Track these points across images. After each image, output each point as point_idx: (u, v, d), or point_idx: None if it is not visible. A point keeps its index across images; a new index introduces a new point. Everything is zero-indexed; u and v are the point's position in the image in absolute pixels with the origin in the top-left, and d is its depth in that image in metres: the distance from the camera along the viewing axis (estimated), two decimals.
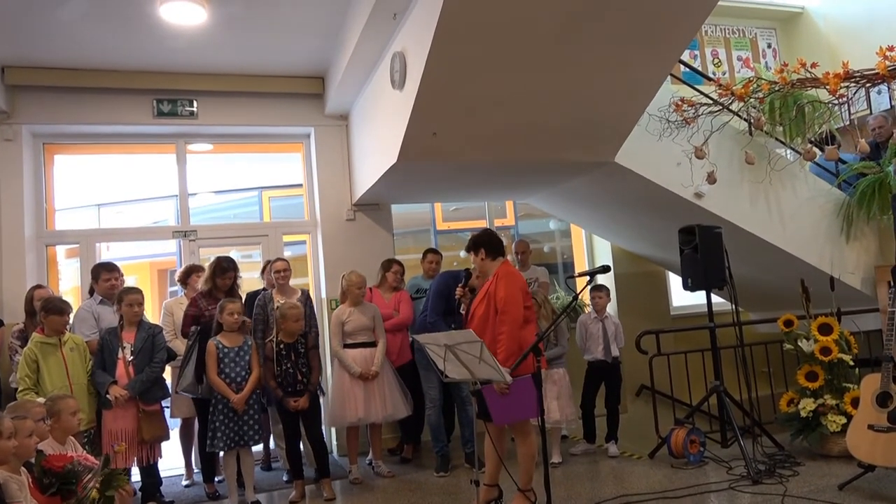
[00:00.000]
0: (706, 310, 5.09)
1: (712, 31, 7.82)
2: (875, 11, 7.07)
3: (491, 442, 3.91)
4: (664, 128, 5.17)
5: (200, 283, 4.93)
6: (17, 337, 4.72)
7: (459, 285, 4.28)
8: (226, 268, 4.78)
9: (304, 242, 6.59)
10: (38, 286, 5.00)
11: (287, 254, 6.22)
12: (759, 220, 5.60)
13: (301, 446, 4.64)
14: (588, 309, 5.68)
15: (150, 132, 6.09)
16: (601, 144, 5.00)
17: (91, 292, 4.85)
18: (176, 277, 5.55)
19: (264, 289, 5.28)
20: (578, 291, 3.87)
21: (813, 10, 7.91)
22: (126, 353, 4.33)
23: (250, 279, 6.02)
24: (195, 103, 5.98)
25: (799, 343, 4.97)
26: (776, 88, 5.13)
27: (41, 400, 3.40)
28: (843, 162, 5.86)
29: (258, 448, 5.02)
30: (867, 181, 5.61)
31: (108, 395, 4.19)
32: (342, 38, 5.35)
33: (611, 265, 4.43)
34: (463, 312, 4.19)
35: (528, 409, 3.61)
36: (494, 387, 3.59)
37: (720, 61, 7.81)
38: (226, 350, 4.40)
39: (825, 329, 4.93)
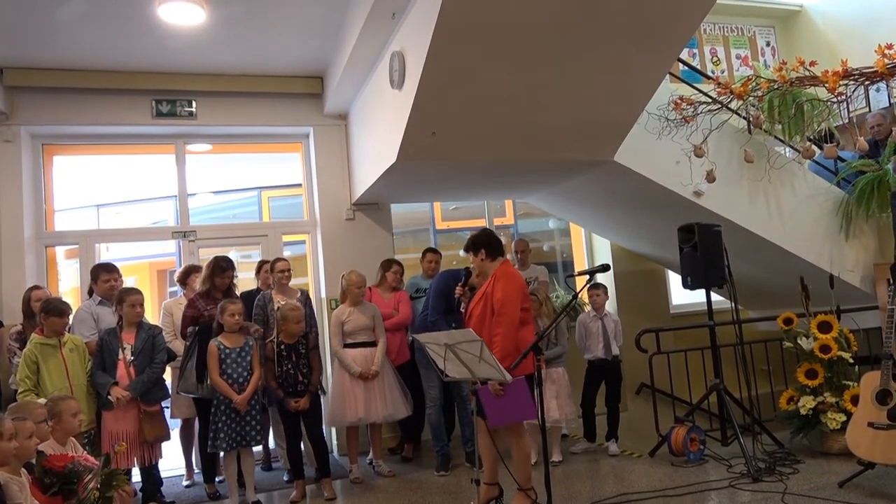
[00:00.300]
0: (706, 308, 5.09)
1: (711, 30, 7.82)
2: (874, 9, 7.06)
3: (487, 440, 3.89)
4: (663, 126, 5.17)
5: (198, 284, 4.93)
6: (16, 339, 4.70)
7: (459, 284, 4.28)
8: (224, 267, 4.78)
9: (303, 242, 6.59)
10: (36, 287, 5.00)
11: (286, 254, 6.22)
12: (758, 218, 5.60)
13: (301, 446, 4.64)
14: (588, 308, 5.69)
15: (149, 133, 6.09)
16: (600, 143, 5.00)
17: (90, 293, 4.84)
18: (175, 278, 5.54)
19: (258, 289, 5.28)
20: (578, 290, 3.87)
21: (811, 8, 7.90)
22: (126, 354, 4.33)
23: (250, 279, 6.02)
24: (194, 104, 5.97)
25: (798, 341, 4.97)
26: (775, 87, 5.13)
27: (42, 401, 3.40)
28: (842, 160, 5.87)
29: (258, 448, 5.02)
30: (866, 179, 5.62)
31: (109, 397, 4.19)
32: (341, 38, 5.35)
33: (610, 264, 4.42)
34: (463, 311, 4.18)
35: (524, 411, 3.60)
36: (489, 388, 3.58)
37: (719, 59, 7.81)
38: (227, 351, 4.40)
39: (825, 327, 4.93)
